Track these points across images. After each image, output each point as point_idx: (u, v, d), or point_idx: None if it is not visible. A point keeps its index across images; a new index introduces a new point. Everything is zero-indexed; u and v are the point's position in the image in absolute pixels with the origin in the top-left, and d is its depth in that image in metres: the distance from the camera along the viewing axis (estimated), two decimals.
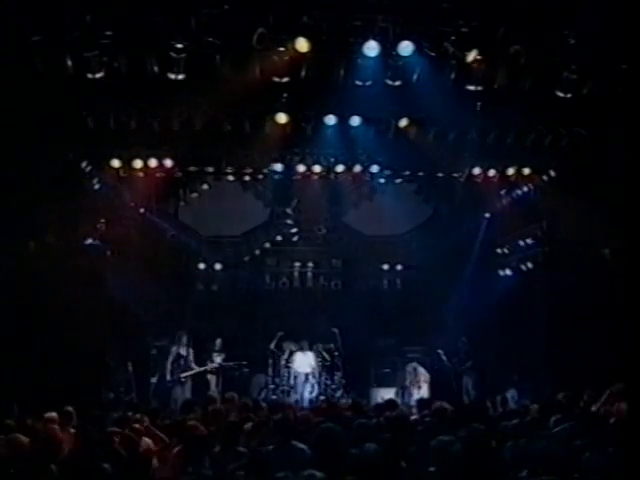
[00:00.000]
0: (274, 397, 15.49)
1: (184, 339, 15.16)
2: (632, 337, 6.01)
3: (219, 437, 7.61)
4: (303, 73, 10.94)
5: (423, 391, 15.52)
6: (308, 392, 15.63)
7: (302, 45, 10.38)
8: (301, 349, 15.97)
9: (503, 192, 16.17)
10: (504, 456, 6.81)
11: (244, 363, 15.65)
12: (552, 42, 10.59)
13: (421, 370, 15.77)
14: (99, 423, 8.37)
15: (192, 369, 15.15)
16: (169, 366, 15.00)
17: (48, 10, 9.71)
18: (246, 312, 16.54)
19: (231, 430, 7.58)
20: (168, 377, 14.96)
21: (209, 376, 15.48)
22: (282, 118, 12.96)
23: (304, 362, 15.86)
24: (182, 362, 15.09)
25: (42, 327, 13.22)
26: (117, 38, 10.14)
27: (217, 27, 10.16)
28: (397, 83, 11.25)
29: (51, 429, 7.58)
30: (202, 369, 15.28)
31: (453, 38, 10.51)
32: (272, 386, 15.85)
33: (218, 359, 15.40)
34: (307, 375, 15.79)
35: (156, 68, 10.63)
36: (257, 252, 17.57)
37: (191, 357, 15.18)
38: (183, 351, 15.11)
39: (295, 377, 15.77)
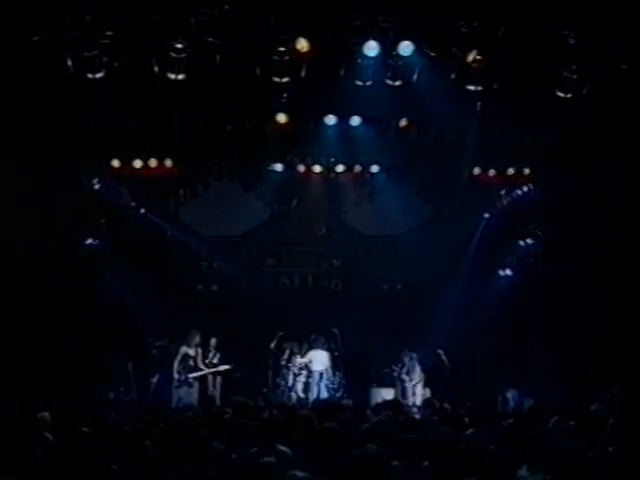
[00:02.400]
0: (272, 396, 15.46)
1: (196, 339, 15.08)
2: (632, 336, 6.01)
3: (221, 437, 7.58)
4: (303, 73, 10.95)
5: (419, 390, 15.42)
6: (324, 390, 15.64)
7: (302, 45, 10.40)
8: (316, 348, 15.95)
9: (503, 192, 16.16)
10: (502, 455, 6.79)
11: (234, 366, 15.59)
12: (552, 42, 10.60)
13: (417, 367, 15.68)
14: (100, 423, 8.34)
15: (201, 370, 15.07)
16: (176, 365, 14.80)
17: (48, 10, 9.73)
18: (246, 312, 16.51)
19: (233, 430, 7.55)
20: (175, 376, 14.77)
21: (209, 376, 15.43)
22: (282, 118, 12.98)
23: (319, 360, 15.86)
24: (191, 362, 14.96)
25: (42, 327, 13.23)
26: (117, 38, 10.16)
27: (217, 27, 10.17)
28: (397, 83, 11.27)
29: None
30: (212, 370, 15.13)
31: (453, 38, 10.52)
32: (271, 386, 15.83)
33: (215, 359, 15.35)
34: (321, 373, 15.78)
35: (156, 68, 10.64)
36: (257, 252, 17.55)
37: (200, 358, 15.07)
38: (192, 352, 15.04)
39: (309, 376, 15.74)
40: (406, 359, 15.65)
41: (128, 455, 6.53)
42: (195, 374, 14.91)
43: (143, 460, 6.55)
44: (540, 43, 10.62)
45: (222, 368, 15.16)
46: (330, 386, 15.76)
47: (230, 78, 11.09)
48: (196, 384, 14.92)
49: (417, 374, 15.54)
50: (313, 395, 15.48)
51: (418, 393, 15.40)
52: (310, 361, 15.80)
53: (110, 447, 6.77)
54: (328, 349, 15.93)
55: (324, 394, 15.51)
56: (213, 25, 10.11)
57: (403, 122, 13.34)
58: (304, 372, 15.77)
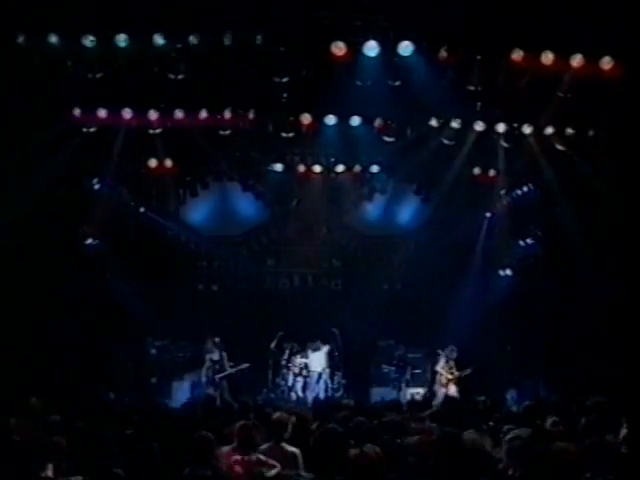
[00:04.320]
0: (272, 396, 15.50)
1: (213, 345, 15.28)
2: (631, 338, 6.02)
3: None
4: (303, 73, 10.96)
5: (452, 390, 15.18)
6: (322, 390, 15.64)
7: (303, 45, 10.43)
8: (315, 349, 15.96)
9: (503, 192, 16.15)
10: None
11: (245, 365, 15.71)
12: (552, 42, 10.62)
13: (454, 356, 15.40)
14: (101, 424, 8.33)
15: (225, 370, 15.27)
16: (204, 371, 15.22)
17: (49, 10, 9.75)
18: (246, 312, 16.53)
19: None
20: (203, 380, 15.17)
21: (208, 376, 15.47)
22: (282, 118, 12.99)
23: (316, 361, 15.88)
24: (217, 367, 15.26)
25: (42, 327, 13.24)
26: (117, 38, 10.19)
27: (217, 27, 10.19)
28: (397, 83, 11.28)
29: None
30: (235, 369, 15.38)
31: (453, 39, 10.54)
32: (271, 386, 15.85)
33: (215, 357, 15.44)
34: (320, 374, 15.79)
35: (156, 68, 10.66)
36: (257, 252, 17.56)
37: (225, 360, 15.32)
38: (216, 356, 15.27)
39: (307, 376, 15.76)
40: (444, 353, 15.50)
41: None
42: (221, 374, 15.21)
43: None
44: (540, 43, 10.64)
45: (243, 366, 15.44)
46: (329, 386, 15.76)
47: (230, 77, 11.10)
48: (225, 384, 15.24)
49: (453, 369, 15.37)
50: (312, 395, 15.50)
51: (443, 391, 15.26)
52: (309, 362, 15.82)
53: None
54: (327, 351, 15.95)
55: (322, 394, 15.52)
56: (213, 25, 10.13)
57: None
58: (304, 372, 15.80)
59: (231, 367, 15.38)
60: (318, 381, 15.77)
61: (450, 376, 15.28)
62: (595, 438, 6.65)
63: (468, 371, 15.11)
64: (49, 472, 6.57)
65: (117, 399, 14.20)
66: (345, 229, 17.54)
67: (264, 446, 7.27)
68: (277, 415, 7.71)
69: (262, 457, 6.86)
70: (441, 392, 15.19)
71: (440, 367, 15.43)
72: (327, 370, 15.83)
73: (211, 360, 15.25)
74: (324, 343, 16.04)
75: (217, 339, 15.47)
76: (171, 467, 6.46)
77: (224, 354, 15.32)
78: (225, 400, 13.80)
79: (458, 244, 16.69)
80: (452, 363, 15.38)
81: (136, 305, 15.26)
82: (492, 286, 16.45)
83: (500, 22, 10.37)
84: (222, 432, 7.68)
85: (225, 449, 7.13)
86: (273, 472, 6.52)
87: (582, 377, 13.05)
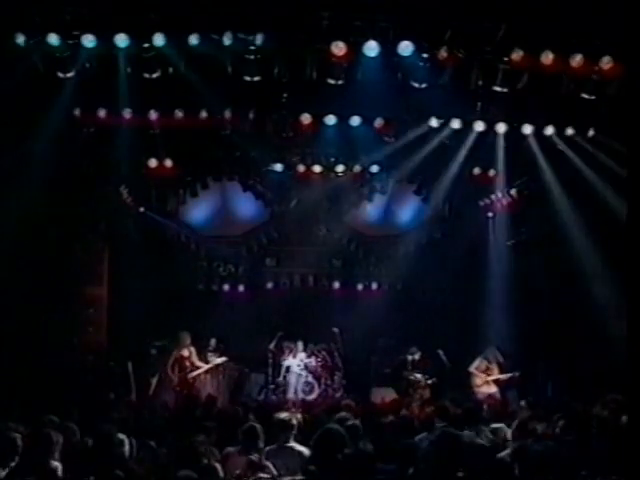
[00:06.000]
0: (273, 397, 15.51)
1: (187, 340, 15.12)
2: (633, 338, 6.02)
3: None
4: (303, 73, 10.96)
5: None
6: (321, 391, 15.63)
7: (303, 45, 10.43)
8: (313, 349, 16.00)
9: (503, 192, 16.14)
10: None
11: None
12: (552, 42, 10.63)
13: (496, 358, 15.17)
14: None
15: (199, 368, 15.11)
16: (169, 369, 14.88)
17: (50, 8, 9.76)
18: (246, 312, 16.53)
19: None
20: (175, 380, 14.81)
21: (208, 376, 15.44)
22: (282, 118, 12.99)
23: (312, 361, 15.90)
24: (187, 363, 15.04)
25: (42, 327, 13.24)
26: (116, 38, 10.19)
27: (218, 27, 10.19)
28: (397, 83, 11.28)
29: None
30: (210, 365, 15.21)
31: (452, 38, 10.54)
32: (272, 386, 15.84)
33: (214, 359, 15.40)
34: (300, 373, 15.82)
35: (157, 68, 10.66)
36: (257, 252, 17.56)
37: (194, 357, 15.12)
38: (185, 353, 15.08)
39: (307, 376, 15.76)
40: (483, 354, 15.34)
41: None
42: (194, 373, 14.95)
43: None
44: (540, 43, 10.64)
45: (219, 361, 15.23)
46: (329, 386, 15.77)
47: (230, 77, 11.10)
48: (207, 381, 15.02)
49: (493, 367, 15.24)
50: (312, 395, 15.52)
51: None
52: (308, 362, 15.85)
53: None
54: (312, 352, 15.97)
55: (321, 394, 15.54)
56: (214, 25, 10.13)
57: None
58: (304, 372, 15.81)
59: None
60: (317, 381, 15.79)
61: (485, 377, 15.11)
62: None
63: (515, 374, 14.79)
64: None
65: (117, 399, 14.21)
66: (345, 229, 17.54)
67: (272, 446, 7.26)
68: (283, 415, 7.71)
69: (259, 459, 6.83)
70: (480, 393, 14.90)
71: (474, 368, 15.26)
72: (305, 370, 15.84)
73: (180, 356, 15.08)
74: (323, 343, 16.07)
75: (213, 340, 15.49)
76: (167, 468, 6.48)
77: (193, 349, 15.12)
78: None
79: (458, 244, 16.68)
80: (492, 365, 15.19)
81: (136, 305, 15.25)
82: (492, 285, 16.44)
83: (500, 22, 10.36)
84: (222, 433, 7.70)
85: (230, 450, 7.13)
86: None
87: (584, 376, 13.07)
